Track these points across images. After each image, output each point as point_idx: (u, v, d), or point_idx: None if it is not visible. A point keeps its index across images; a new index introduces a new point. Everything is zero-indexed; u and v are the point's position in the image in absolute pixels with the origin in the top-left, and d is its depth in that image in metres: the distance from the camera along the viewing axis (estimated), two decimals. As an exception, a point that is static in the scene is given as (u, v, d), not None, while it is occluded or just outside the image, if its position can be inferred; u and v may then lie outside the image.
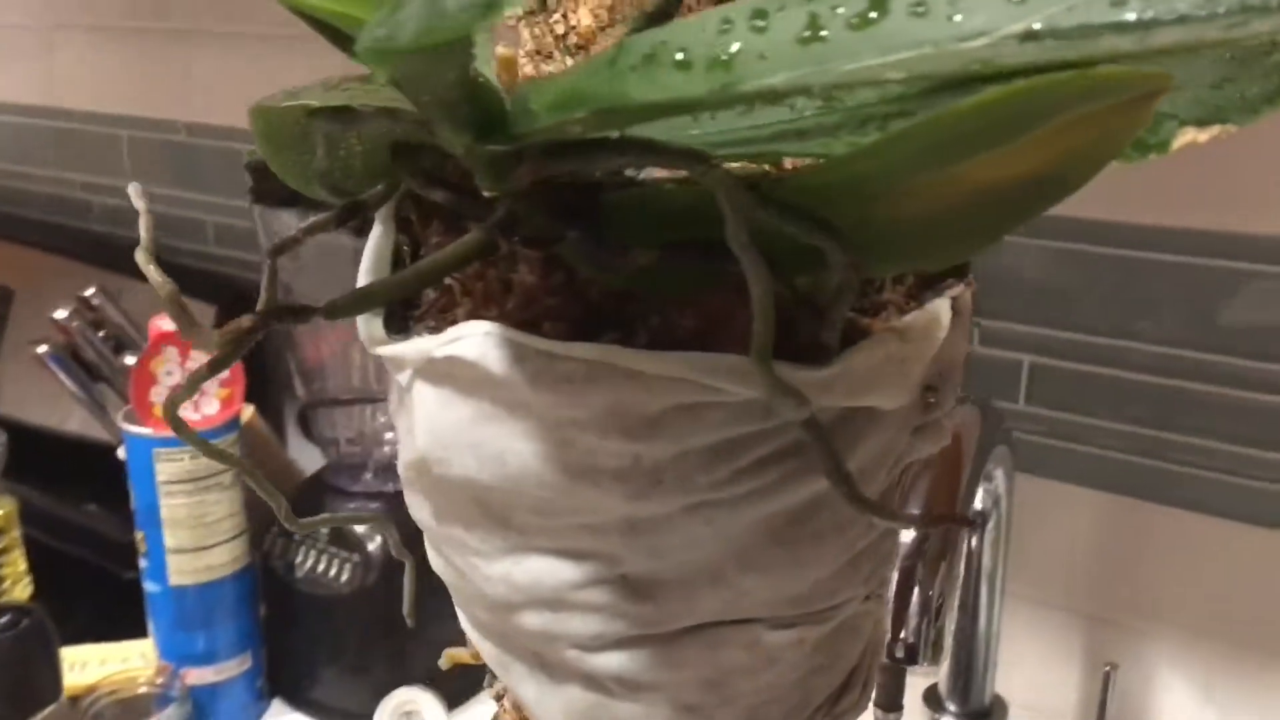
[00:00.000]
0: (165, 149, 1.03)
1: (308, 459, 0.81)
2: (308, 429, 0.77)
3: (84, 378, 0.79)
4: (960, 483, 0.45)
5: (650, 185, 0.23)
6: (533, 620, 0.26)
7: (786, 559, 0.25)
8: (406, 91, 0.20)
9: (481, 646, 0.29)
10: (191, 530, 0.71)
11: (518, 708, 0.32)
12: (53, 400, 0.99)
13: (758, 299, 0.19)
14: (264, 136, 0.29)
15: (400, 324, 0.25)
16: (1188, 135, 0.21)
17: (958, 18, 0.16)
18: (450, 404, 0.24)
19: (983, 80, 0.18)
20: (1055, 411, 0.64)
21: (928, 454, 0.29)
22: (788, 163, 0.26)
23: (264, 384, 0.88)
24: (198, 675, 0.73)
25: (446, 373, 0.23)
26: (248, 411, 0.80)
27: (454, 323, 0.24)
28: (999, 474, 0.56)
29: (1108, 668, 0.60)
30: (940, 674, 0.58)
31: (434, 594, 0.81)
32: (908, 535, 0.45)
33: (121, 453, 0.78)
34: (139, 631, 0.78)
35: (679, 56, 0.18)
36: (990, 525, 0.56)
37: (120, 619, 0.81)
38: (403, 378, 0.25)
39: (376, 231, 0.28)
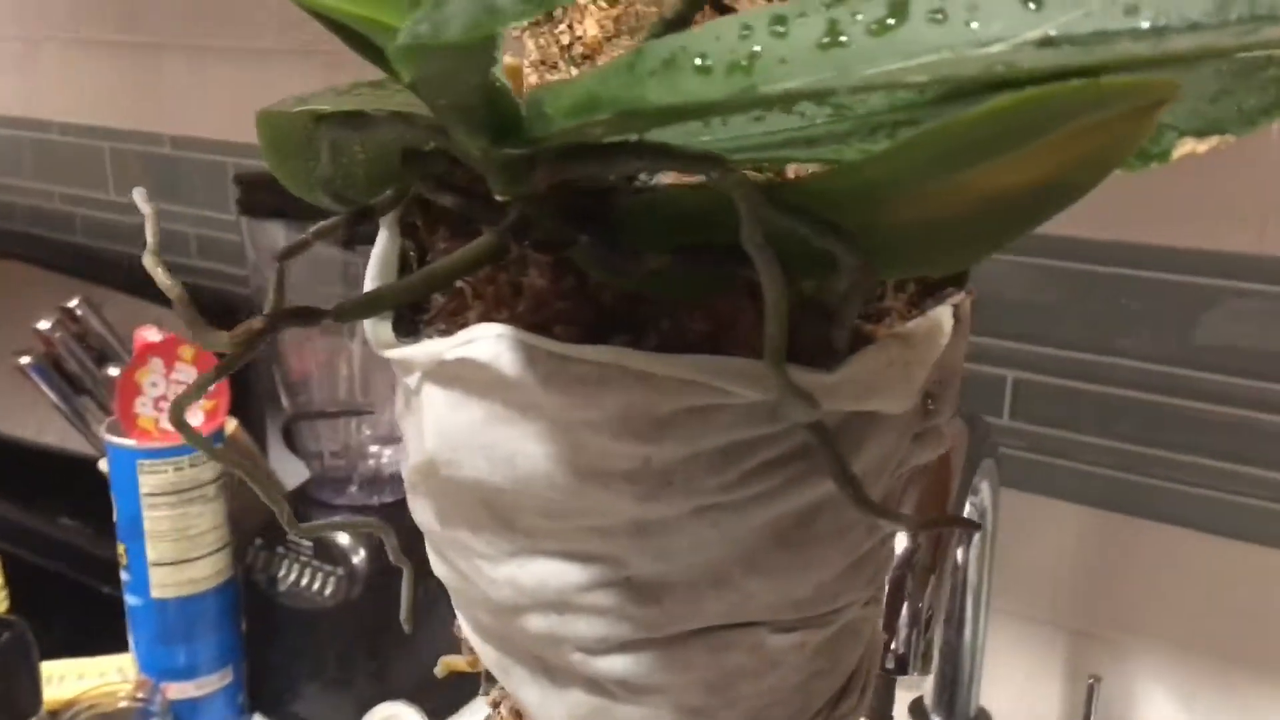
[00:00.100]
0: (148, 161, 1.02)
1: (290, 473, 0.81)
2: (292, 442, 0.77)
3: (66, 389, 0.79)
4: (949, 494, 0.46)
5: (661, 190, 0.24)
6: (538, 623, 0.26)
7: (791, 562, 0.25)
8: (425, 94, 0.20)
9: (482, 651, 0.29)
10: (174, 543, 0.70)
11: (516, 714, 0.32)
12: (28, 412, 0.99)
13: (772, 302, 0.20)
14: (269, 143, 0.29)
15: (409, 327, 0.25)
16: (1187, 145, 0.22)
17: (975, 24, 0.16)
18: (460, 406, 0.24)
19: (993, 88, 0.19)
20: (1039, 427, 0.65)
21: (927, 460, 0.29)
22: (790, 170, 0.26)
23: (245, 397, 0.88)
24: (179, 690, 0.73)
25: (457, 375, 0.24)
26: (231, 424, 0.80)
27: (465, 326, 0.24)
28: (985, 487, 0.56)
29: (1091, 680, 0.61)
30: (926, 686, 0.59)
31: (418, 613, 0.81)
32: (898, 546, 0.46)
33: (103, 465, 0.78)
34: (116, 646, 0.77)
35: (699, 61, 0.18)
36: (976, 538, 0.57)
37: (98, 633, 0.80)
38: (411, 380, 0.25)
39: (382, 237, 0.28)
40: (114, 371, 0.80)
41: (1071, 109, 0.19)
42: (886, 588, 0.45)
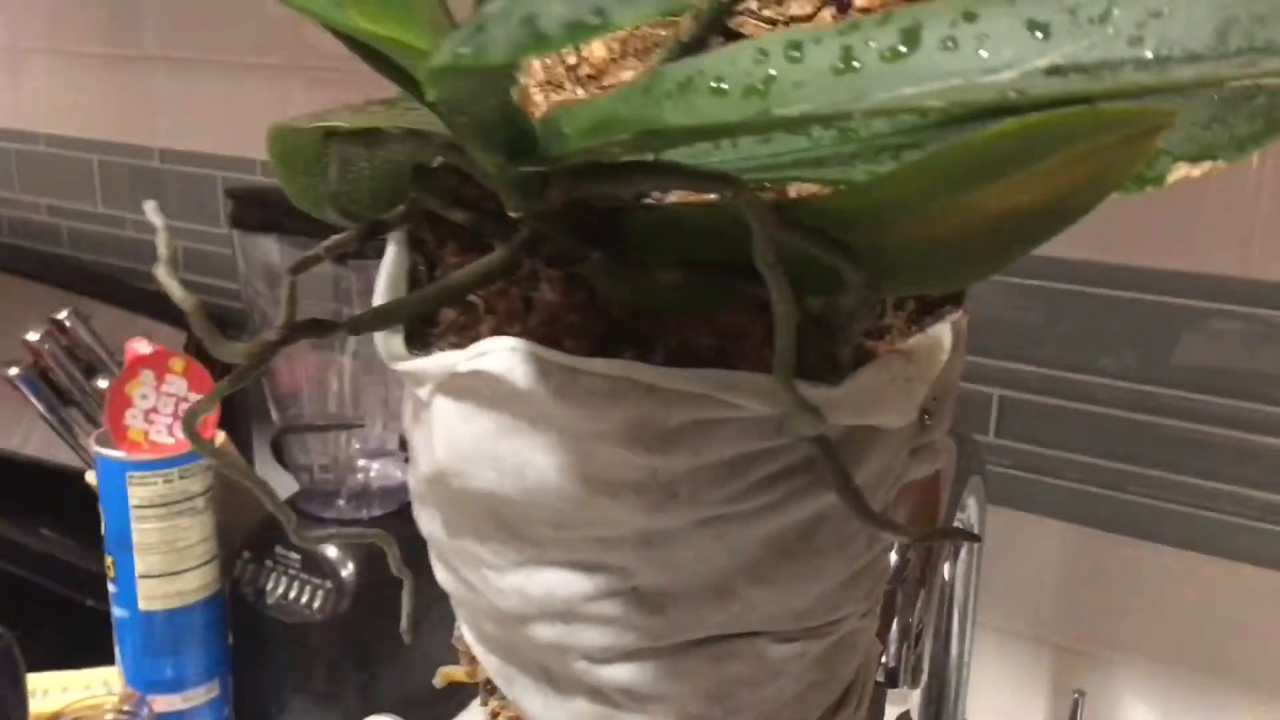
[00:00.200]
0: (136, 174, 1.03)
1: (277, 485, 0.81)
2: (281, 455, 0.77)
3: (54, 400, 0.79)
4: (939, 510, 0.46)
5: (670, 207, 0.24)
6: (544, 632, 0.26)
7: (793, 573, 0.25)
8: (446, 113, 0.21)
9: (485, 661, 0.30)
10: (163, 555, 0.70)
11: (515, 723, 0.33)
12: (12, 423, 0.98)
13: (781, 318, 0.20)
14: (280, 158, 0.30)
15: (420, 340, 0.26)
16: (1181, 170, 0.23)
17: (984, 52, 0.17)
18: (471, 418, 0.24)
19: (995, 113, 0.19)
20: (1024, 444, 0.66)
21: (923, 474, 0.30)
22: (790, 189, 0.27)
23: (232, 410, 0.88)
24: (165, 703, 0.72)
25: (469, 387, 0.24)
26: (219, 437, 0.80)
27: (477, 339, 0.24)
28: (971, 504, 0.57)
29: (1076, 694, 0.61)
30: (913, 700, 0.59)
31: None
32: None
33: (89, 477, 0.77)
34: (99, 659, 0.77)
35: (715, 84, 0.19)
36: (963, 554, 0.57)
37: (81, 646, 0.80)
38: (422, 392, 0.25)
39: (391, 252, 0.29)
40: (103, 383, 0.80)
41: (1073, 134, 0.19)
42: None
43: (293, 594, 0.73)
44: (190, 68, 0.97)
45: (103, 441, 0.69)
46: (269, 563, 0.74)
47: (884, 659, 0.44)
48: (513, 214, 0.23)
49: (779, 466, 0.24)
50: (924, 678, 0.45)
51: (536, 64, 0.31)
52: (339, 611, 0.72)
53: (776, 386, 0.21)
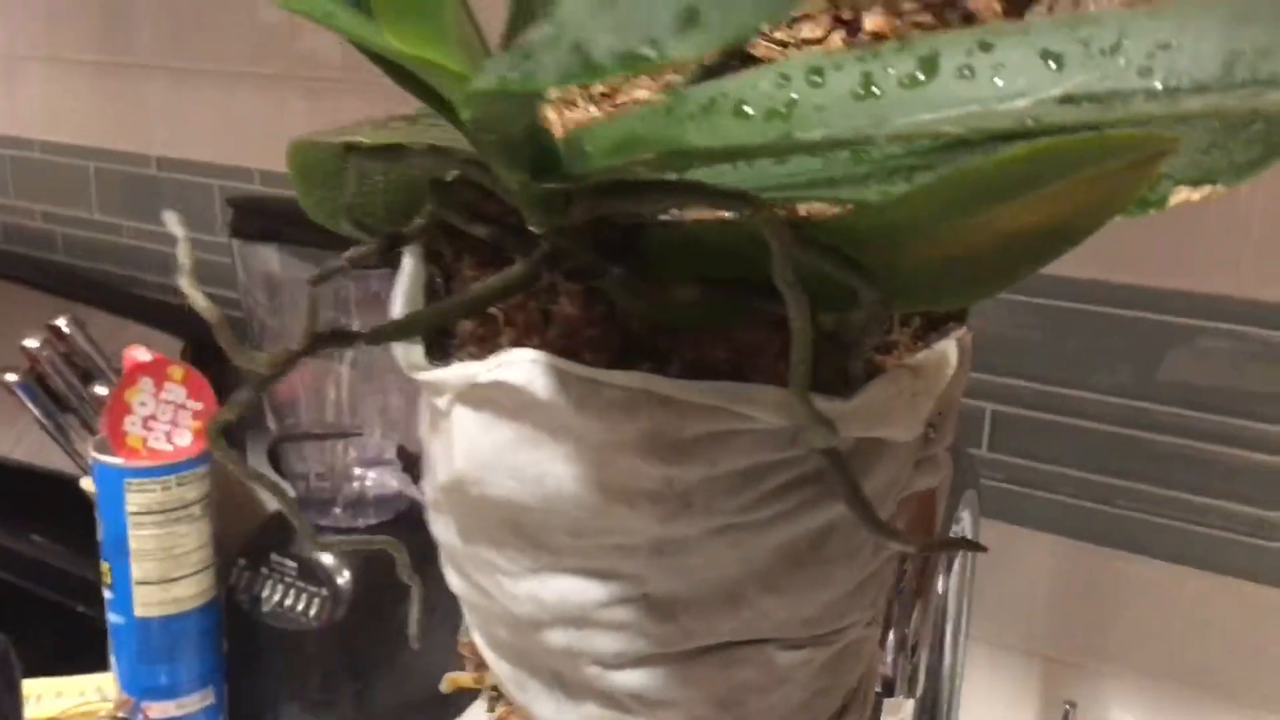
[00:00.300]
0: (132, 182, 1.03)
1: (267, 494, 0.81)
2: (278, 463, 0.77)
3: (51, 407, 0.79)
4: (935, 522, 0.47)
5: (689, 224, 0.25)
6: (557, 638, 0.27)
7: (803, 581, 0.26)
8: (475, 131, 0.21)
9: (498, 666, 0.30)
10: (159, 562, 0.70)
11: (523, 729, 0.33)
12: (4, 429, 0.99)
13: (798, 334, 0.21)
14: (299, 171, 0.30)
15: (439, 351, 0.26)
16: (1182, 194, 0.24)
17: (1000, 81, 0.18)
18: (491, 427, 0.25)
19: (1005, 137, 0.20)
20: (1016, 458, 0.66)
21: (926, 486, 0.30)
22: (800, 207, 0.28)
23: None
24: (160, 710, 0.72)
25: (489, 397, 0.25)
26: (216, 445, 0.80)
27: (496, 350, 0.25)
28: (965, 517, 0.58)
29: (1067, 706, 0.62)
30: (906, 710, 0.60)
31: (402, 634, 0.81)
32: (884, 572, 0.47)
33: (84, 483, 0.78)
34: (91, 665, 0.77)
35: (738, 106, 0.19)
36: (956, 567, 0.58)
37: (73, 652, 0.80)
38: (441, 402, 0.26)
39: (408, 264, 0.29)
40: (100, 390, 0.80)
41: (1080, 159, 0.20)
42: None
43: (288, 601, 0.74)
44: (186, 76, 0.97)
45: (101, 448, 0.70)
46: (265, 570, 0.75)
47: (881, 669, 0.45)
48: (534, 229, 0.24)
49: (790, 477, 0.25)
50: (920, 688, 0.46)
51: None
52: (334, 619, 0.72)
53: (792, 400, 0.22)
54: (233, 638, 0.76)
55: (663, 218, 0.25)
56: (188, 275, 0.28)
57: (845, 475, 0.24)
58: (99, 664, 0.76)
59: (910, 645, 0.45)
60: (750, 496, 0.25)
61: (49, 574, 0.93)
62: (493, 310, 0.26)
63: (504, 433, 0.25)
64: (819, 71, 0.19)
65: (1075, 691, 0.66)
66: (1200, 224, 0.60)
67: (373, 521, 0.77)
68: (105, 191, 1.05)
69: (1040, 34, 0.18)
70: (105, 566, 0.71)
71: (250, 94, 0.93)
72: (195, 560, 0.72)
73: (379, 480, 0.78)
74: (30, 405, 0.78)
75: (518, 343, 0.25)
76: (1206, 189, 0.24)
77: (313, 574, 0.73)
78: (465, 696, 0.68)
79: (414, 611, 0.35)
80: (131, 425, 0.69)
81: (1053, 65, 0.17)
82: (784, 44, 0.28)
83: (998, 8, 0.28)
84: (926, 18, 0.27)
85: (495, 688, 0.35)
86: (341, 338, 0.25)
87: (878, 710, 0.45)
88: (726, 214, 0.22)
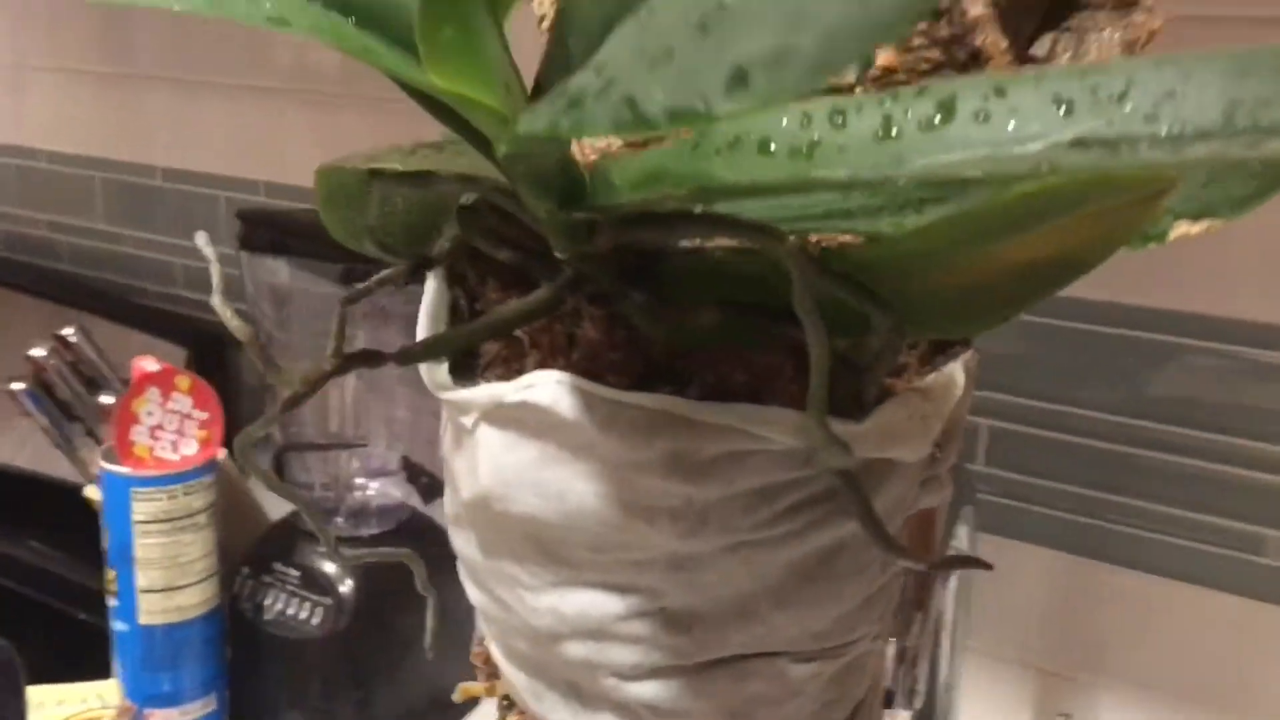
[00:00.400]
0: (137, 192, 1.04)
1: (275, 502, 0.82)
2: (282, 472, 0.78)
3: (57, 415, 0.79)
4: (934, 537, 0.48)
5: (710, 252, 0.26)
6: (575, 650, 0.28)
7: (814, 596, 0.27)
8: (507, 163, 0.22)
9: (514, 677, 0.31)
10: (164, 570, 0.71)
11: (536, 738, 0.34)
12: (5, 437, 0.99)
13: (817, 359, 0.22)
14: (326, 194, 0.31)
15: (464, 371, 0.27)
16: (1182, 228, 0.25)
17: (1013, 125, 0.19)
18: (516, 446, 0.26)
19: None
20: (1012, 473, 0.67)
21: (932, 504, 0.31)
22: (812, 236, 0.29)
23: (227, 427, 0.89)
24: (162, 716, 0.73)
25: (515, 417, 0.26)
26: (220, 454, 0.81)
27: (521, 372, 0.26)
28: (963, 531, 0.59)
29: (1061, 718, 0.63)
30: (903, 722, 0.61)
31: (403, 643, 0.81)
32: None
33: (88, 491, 0.78)
34: (92, 672, 0.78)
35: (763, 144, 0.20)
36: (953, 580, 0.59)
37: (75, 660, 0.80)
38: (467, 421, 0.27)
39: (431, 286, 0.30)
40: (105, 399, 0.80)
41: (1087, 195, 0.21)
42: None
43: (291, 610, 0.74)
44: (191, 88, 0.98)
45: (108, 457, 0.70)
46: (268, 578, 0.75)
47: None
48: (559, 256, 0.25)
49: (803, 496, 0.26)
50: (920, 699, 0.47)
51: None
52: (337, 628, 0.73)
53: (809, 422, 0.22)
54: (235, 645, 0.77)
55: (684, 244, 0.26)
56: (218, 295, 0.28)
57: (859, 495, 0.24)
58: (100, 671, 0.77)
59: (910, 657, 0.46)
60: (764, 514, 0.26)
61: (49, 581, 0.93)
62: (518, 333, 0.27)
63: (528, 451, 0.25)
64: (840, 113, 0.20)
65: (1070, 703, 0.67)
66: (1189, 246, 0.61)
67: (375, 531, 0.78)
68: (110, 201, 1.06)
69: (1051, 81, 0.19)
70: (111, 574, 0.72)
71: (254, 105, 0.94)
72: (200, 569, 0.72)
73: (381, 490, 0.79)
74: (36, 413, 0.78)
75: (543, 365, 0.26)
76: (1205, 223, 0.25)
77: (315, 583, 0.74)
78: (465, 704, 0.69)
79: (429, 622, 0.36)
80: (138, 435, 0.70)
81: (1063, 111, 0.18)
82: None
83: (1003, 45, 0.29)
84: (935, 53, 0.28)
85: (506, 696, 0.36)
86: (371, 357, 0.26)
87: (878, 721, 0.46)
88: (748, 243, 0.23)
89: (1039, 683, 0.68)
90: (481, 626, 0.33)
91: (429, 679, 0.75)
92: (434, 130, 0.26)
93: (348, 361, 0.26)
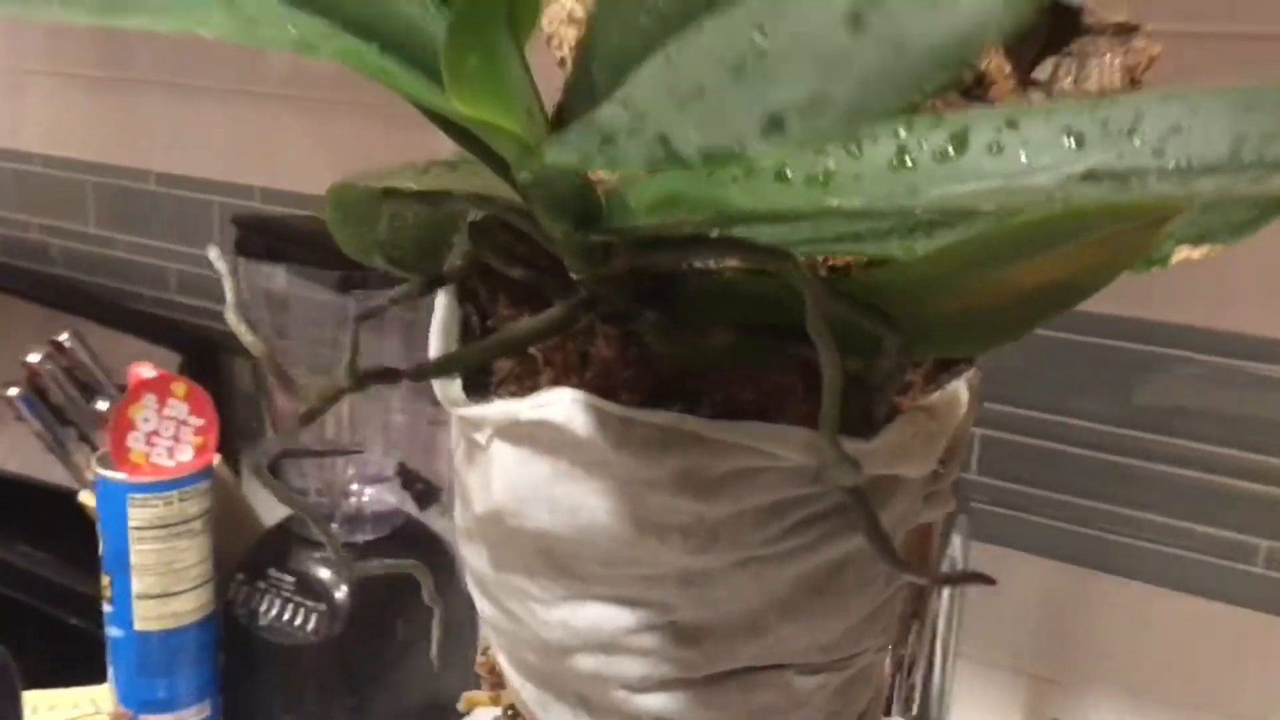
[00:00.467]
0: (131, 196, 1.04)
1: (270, 508, 0.82)
2: (277, 478, 0.78)
3: (51, 421, 0.79)
4: (931, 546, 0.49)
5: (723, 274, 0.26)
6: (586, 663, 0.28)
7: (821, 610, 0.27)
8: (528, 187, 0.23)
9: (522, 688, 0.31)
10: (160, 576, 0.71)
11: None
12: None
13: (829, 379, 0.22)
14: (338, 211, 0.32)
15: (478, 388, 0.28)
16: (1183, 252, 0.25)
17: (1025, 157, 0.19)
18: (529, 462, 0.26)
19: (1024, 200, 0.22)
20: (1004, 482, 0.68)
21: (934, 518, 0.32)
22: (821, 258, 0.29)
23: (221, 433, 0.89)
24: (157, 722, 0.73)
25: (528, 434, 0.26)
26: (215, 460, 0.81)
27: (535, 389, 0.26)
28: (956, 540, 0.59)
29: (1052, 725, 0.64)
30: (897, 729, 0.61)
31: (398, 649, 0.81)
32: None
33: (83, 497, 0.78)
34: (85, 677, 0.78)
35: (779, 171, 0.21)
36: (948, 589, 0.60)
37: (70, 665, 0.80)
38: (480, 436, 0.27)
39: (442, 302, 0.30)
40: (100, 405, 0.80)
41: (1093, 221, 0.22)
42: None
43: (286, 616, 0.74)
44: (186, 92, 0.98)
45: (104, 463, 0.71)
46: (262, 585, 0.76)
47: (878, 689, 0.46)
48: (575, 276, 0.25)
49: (811, 512, 0.26)
50: (916, 706, 0.47)
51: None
52: (331, 634, 0.73)
53: (821, 440, 0.23)
54: (230, 651, 0.77)
55: (697, 265, 0.26)
56: (232, 309, 0.29)
57: (867, 511, 0.25)
58: (95, 677, 0.77)
59: (906, 665, 0.47)
60: (773, 530, 0.26)
61: (44, 586, 0.93)
62: (532, 350, 0.27)
63: (542, 467, 0.26)
64: (856, 143, 0.20)
65: (1060, 708, 0.68)
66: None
67: (370, 537, 0.78)
68: (102, 205, 1.06)
69: (1062, 114, 0.19)
70: (106, 580, 0.72)
71: (249, 111, 0.95)
72: (195, 575, 0.73)
73: (377, 496, 0.79)
74: (31, 418, 0.78)
75: (556, 382, 0.26)
76: (1205, 248, 0.25)
77: (310, 589, 0.74)
78: (455, 715, 0.69)
79: (435, 632, 0.36)
80: (134, 441, 0.70)
81: (1074, 143, 0.19)
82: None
83: (1007, 69, 0.29)
84: (941, 76, 0.29)
85: (511, 706, 0.37)
86: (386, 375, 0.27)
87: (875, 729, 0.46)
88: (761, 266, 0.23)
89: (1031, 689, 0.69)
90: (488, 637, 0.33)
91: (424, 685, 0.76)
92: (430, 135, 0.26)
93: (363, 379, 0.26)
